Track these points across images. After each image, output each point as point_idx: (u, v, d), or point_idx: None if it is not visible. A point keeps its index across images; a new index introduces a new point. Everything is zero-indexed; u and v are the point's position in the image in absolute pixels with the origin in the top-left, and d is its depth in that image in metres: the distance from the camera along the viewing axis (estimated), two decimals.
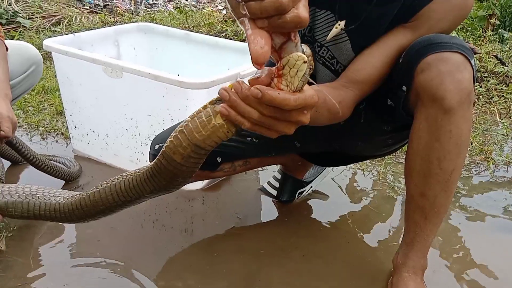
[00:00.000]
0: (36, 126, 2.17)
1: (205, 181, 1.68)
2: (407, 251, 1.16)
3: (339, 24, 1.08)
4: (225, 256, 1.36)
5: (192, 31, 3.28)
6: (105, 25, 4.17)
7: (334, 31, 1.09)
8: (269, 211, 1.60)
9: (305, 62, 0.59)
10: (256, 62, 0.57)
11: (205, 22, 3.73)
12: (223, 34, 3.30)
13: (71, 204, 0.91)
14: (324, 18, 1.13)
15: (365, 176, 1.83)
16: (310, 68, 0.61)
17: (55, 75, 2.29)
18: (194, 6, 7.70)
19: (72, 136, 1.87)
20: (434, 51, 0.95)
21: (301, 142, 1.38)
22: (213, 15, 4.17)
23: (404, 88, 1.03)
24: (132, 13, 5.90)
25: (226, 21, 3.65)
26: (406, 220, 1.14)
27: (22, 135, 2.09)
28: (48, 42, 1.70)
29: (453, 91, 0.94)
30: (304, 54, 0.60)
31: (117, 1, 6.45)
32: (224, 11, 6.78)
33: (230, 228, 1.50)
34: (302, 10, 0.56)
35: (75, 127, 1.83)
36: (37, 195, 0.95)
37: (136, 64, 1.55)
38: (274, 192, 1.62)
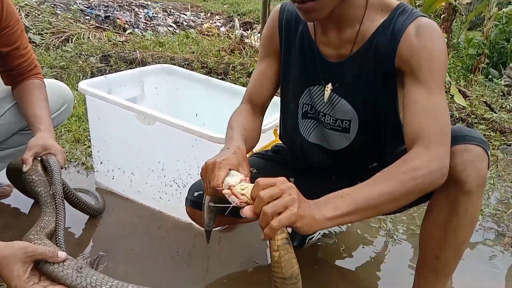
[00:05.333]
0: None
1: None
2: None
3: (327, 87, 1.28)
4: None
5: (203, 64, 3.44)
6: (109, 41, 4.28)
7: (326, 94, 1.30)
8: None
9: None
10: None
11: (213, 51, 3.88)
12: (230, 66, 3.46)
13: None
14: (318, 92, 1.32)
15: (364, 222, 1.99)
16: None
17: (83, 112, 2.43)
18: (192, 21, 7.85)
19: (97, 171, 2.00)
20: (460, 143, 1.12)
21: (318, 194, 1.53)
22: (222, 40, 4.33)
23: None
24: (133, 26, 6.04)
25: (233, 52, 3.81)
26: (417, 276, 1.31)
27: None
28: (84, 86, 1.83)
29: (473, 177, 1.11)
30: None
31: (117, 13, 6.58)
32: (222, 29, 6.90)
33: (242, 270, 1.64)
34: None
35: (101, 163, 1.96)
36: None
37: (168, 115, 1.68)
38: None
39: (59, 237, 1.37)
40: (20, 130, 1.78)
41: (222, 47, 3.96)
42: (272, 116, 1.78)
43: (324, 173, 1.46)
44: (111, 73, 3.53)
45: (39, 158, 1.54)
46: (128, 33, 4.97)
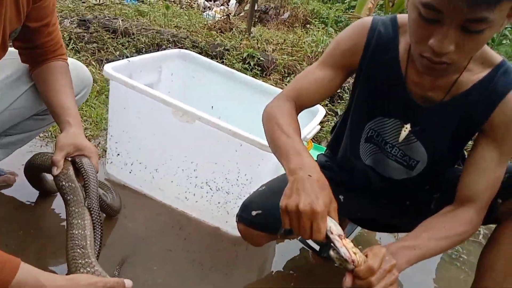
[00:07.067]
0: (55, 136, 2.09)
1: None
2: None
3: (406, 128, 1.25)
4: None
5: (194, 43, 3.26)
6: (82, 2, 3.90)
7: (403, 134, 1.27)
8: (308, 264, 1.73)
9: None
10: None
11: (199, 28, 3.68)
12: (222, 48, 3.31)
13: None
14: (392, 124, 1.29)
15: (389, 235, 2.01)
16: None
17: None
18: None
19: (111, 162, 1.84)
20: None
21: (363, 213, 1.53)
22: (198, 15, 4.11)
23: (500, 200, 1.22)
24: None
25: (222, 32, 3.64)
26: None
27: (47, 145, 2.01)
28: (110, 71, 1.65)
29: None
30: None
31: None
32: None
33: (264, 277, 1.61)
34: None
35: (118, 154, 1.80)
36: None
37: (213, 117, 1.55)
38: (317, 247, 1.75)
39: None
40: (34, 115, 1.59)
41: (209, 24, 3.76)
42: (311, 124, 1.73)
43: (373, 194, 1.45)
44: (92, 40, 3.29)
45: (69, 159, 1.38)
46: None
